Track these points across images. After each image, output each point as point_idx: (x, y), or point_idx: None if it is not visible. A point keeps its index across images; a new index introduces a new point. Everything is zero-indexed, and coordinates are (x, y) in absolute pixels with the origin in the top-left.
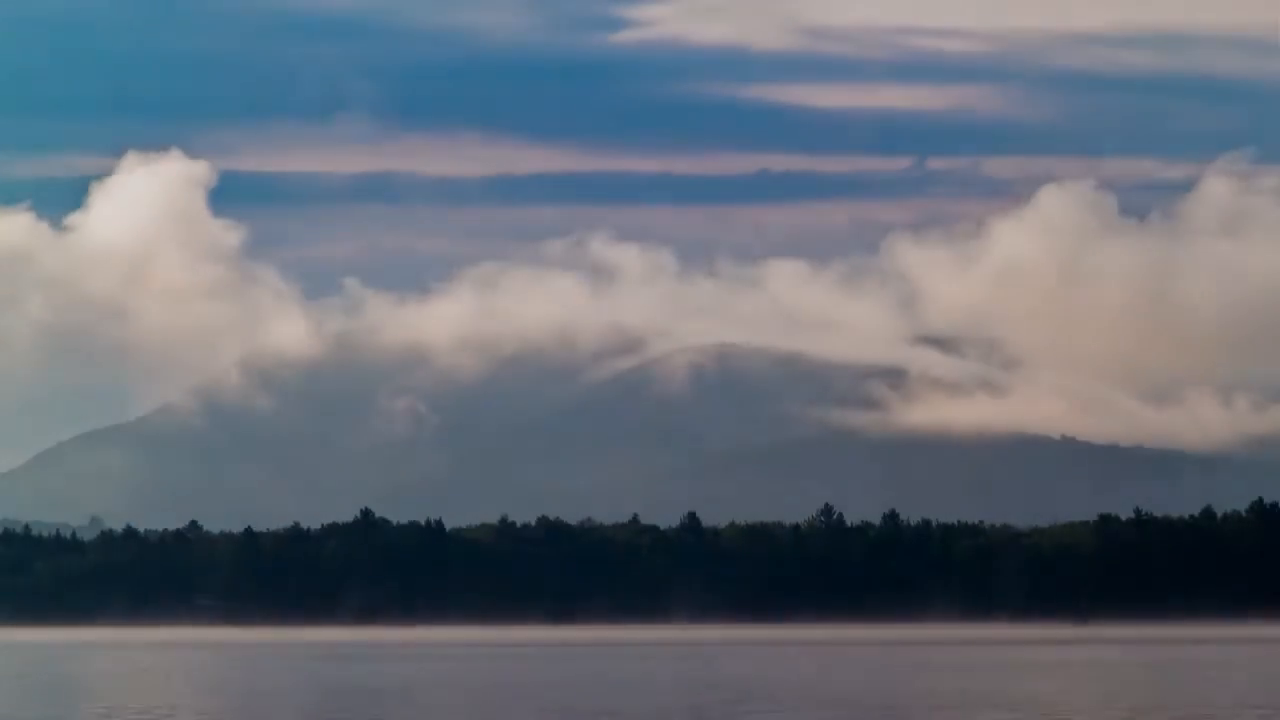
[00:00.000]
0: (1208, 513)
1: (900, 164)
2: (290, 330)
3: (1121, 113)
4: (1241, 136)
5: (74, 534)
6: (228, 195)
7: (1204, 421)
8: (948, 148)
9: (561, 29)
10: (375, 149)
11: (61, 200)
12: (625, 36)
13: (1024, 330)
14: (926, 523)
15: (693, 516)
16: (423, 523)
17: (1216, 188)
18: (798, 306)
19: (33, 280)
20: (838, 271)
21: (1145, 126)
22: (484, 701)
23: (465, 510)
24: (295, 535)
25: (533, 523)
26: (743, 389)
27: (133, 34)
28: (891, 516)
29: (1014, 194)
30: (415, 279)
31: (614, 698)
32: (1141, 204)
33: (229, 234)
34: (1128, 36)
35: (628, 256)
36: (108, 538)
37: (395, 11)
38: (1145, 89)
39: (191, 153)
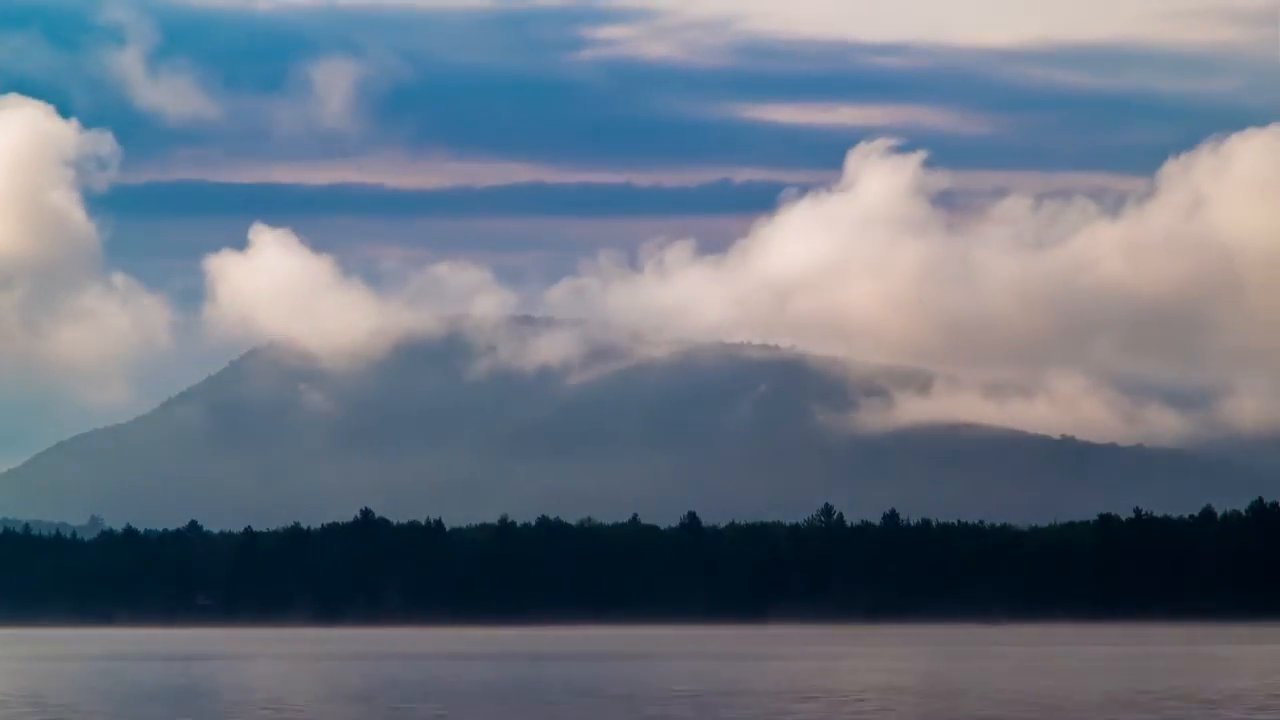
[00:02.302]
0: (1208, 513)
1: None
2: (281, 333)
3: (1067, 127)
4: (1184, 147)
5: (74, 534)
6: (217, 204)
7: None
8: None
9: (525, 50)
10: (347, 163)
11: None
12: (585, 55)
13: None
14: (926, 523)
15: (693, 516)
16: (423, 523)
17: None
18: (783, 307)
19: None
20: (816, 275)
21: (1092, 140)
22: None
23: (465, 510)
24: (295, 535)
25: (533, 523)
26: (729, 390)
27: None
28: (891, 516)
29: (966, 206)
30: (393, 279)
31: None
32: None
33: (219, 238)
34: (1065, 52)
35: (599, 262)
36: (108, 538)
37: (368, 33)
38: (1088, 104)
39: (169, 169)
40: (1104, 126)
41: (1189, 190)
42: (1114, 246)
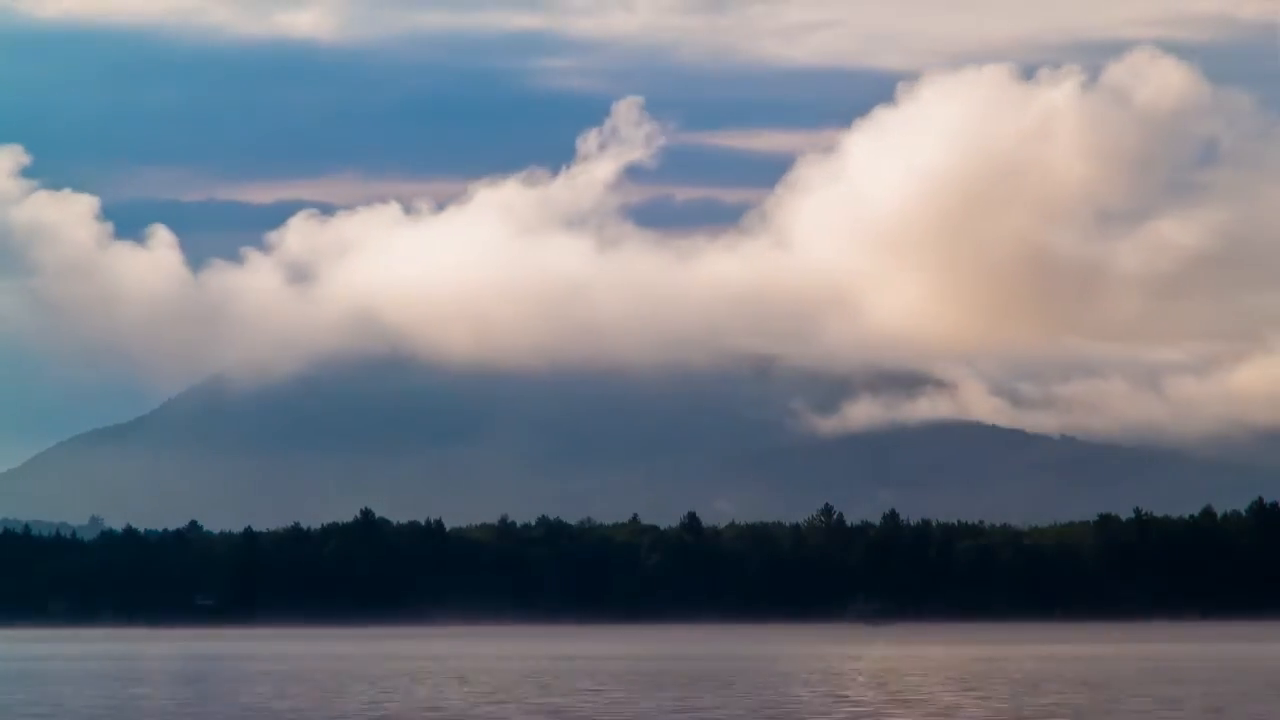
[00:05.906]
0: (1208, 513)
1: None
2: (273, 338)
3: None
4: None
5: (74, 534)
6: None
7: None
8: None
9: (473, 79)
10: (309, 183)
11: None
12: (527, 84)
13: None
14: (926, 523)
15: (693, 516)
16: (423, 523)
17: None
18: (766, 314)
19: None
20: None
21: None
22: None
23: (465, 510)
24: (295, 535)
25: (533, 523)
26: (727, 392)
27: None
28: (891, 516)
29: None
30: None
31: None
32: None
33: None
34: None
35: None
36: (108, 538)
37: (334, 62)
38: None
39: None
40: None
41: None
42: None
